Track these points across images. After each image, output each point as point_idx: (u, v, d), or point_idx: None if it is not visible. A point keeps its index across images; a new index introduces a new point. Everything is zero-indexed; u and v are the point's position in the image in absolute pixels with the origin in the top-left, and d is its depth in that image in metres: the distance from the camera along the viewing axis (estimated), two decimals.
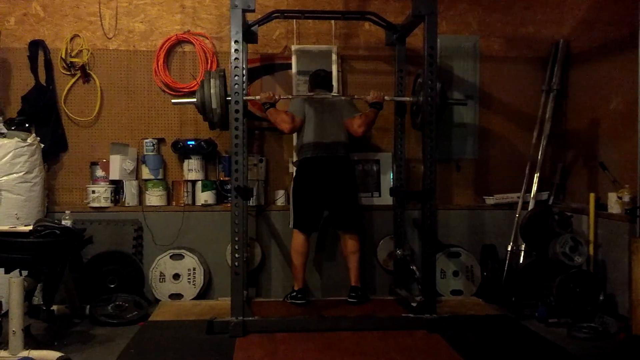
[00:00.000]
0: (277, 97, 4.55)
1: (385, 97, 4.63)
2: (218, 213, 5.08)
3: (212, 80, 4.27)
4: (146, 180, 5.13)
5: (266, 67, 5.29)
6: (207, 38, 5.21)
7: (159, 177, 5.13)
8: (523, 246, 4.98)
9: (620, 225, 4.45)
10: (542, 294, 4.57)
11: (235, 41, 4.10)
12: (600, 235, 4.69)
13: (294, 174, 4.87)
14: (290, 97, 4.84)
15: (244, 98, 4.20)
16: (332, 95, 4.86)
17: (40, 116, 4.99)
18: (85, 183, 5.11)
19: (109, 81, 5.16)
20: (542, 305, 4.48)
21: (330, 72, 5.08)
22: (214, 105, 4.25)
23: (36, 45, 5.04)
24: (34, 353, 3.45)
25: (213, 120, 4.36)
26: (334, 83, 5.13)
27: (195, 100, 4.35)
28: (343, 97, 4.88)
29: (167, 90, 5.18)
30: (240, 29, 4.11)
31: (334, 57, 5.21)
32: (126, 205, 5.09)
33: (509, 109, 5.49)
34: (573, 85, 5.37)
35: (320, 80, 4.88)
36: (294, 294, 4.74)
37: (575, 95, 5.33)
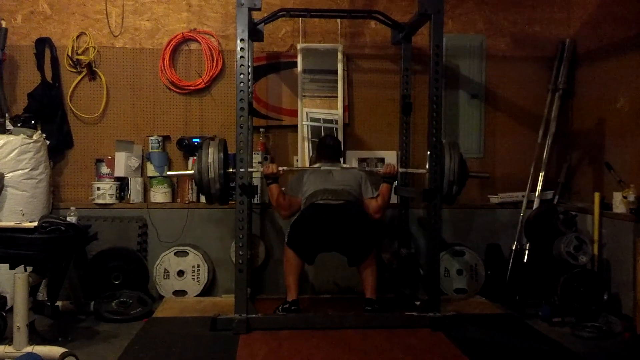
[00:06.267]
0: (280, 171, 4.33)
1: (400, 170, 4.54)
2: (222, 210, 5.06)
3: (210, 153, 4.13)
4: (151, 177, 5.15)
5: (272, 65, 5.29)
6: (213, 36, 5.22)
7: (164, 174, 5.13)
8: (527, 245, 4.97)
9: (625, 224, 4.43)
10: (546, 293, 4.56)
11: (241, 39, 4.10)
12: (604, 235, 4.68)
13: (291, 222, 4.50)
14: (294, 168, 4.81)
15: (249, 170, 4.17)
16: (342, 167, 4.64)
17: (46, 113, 4.99)
18: (91, 180, 5.12)
19: (114, 79, 5.18)
20: (546, 304, 4.48)
21: (339, 142, 4.84)
22: (212, 185, 4.12)
23: (43, 43, 5.05)
24: (38, 349, 3.46)
25: (211, 195, 4.19)
26: (339, 82, 5.14)
27: (192, 172, 4.27)
28: (353, 169, 4.73)
29: (172, 88, 5.20)
30: (246, 27, 4.11)
31: (340, 55, 5.20)
32: (131, 202, 5.10)
33: (515, 108, 5.48)
34: (579, 85, 5.35)
35: (328, 151, 4.63)
36: (287, 305, 4.34)
37: (582, 94, 5.32)
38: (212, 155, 4.13)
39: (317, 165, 4.62)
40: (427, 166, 4.29)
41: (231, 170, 4.20)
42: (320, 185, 4.46)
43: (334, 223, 4.32)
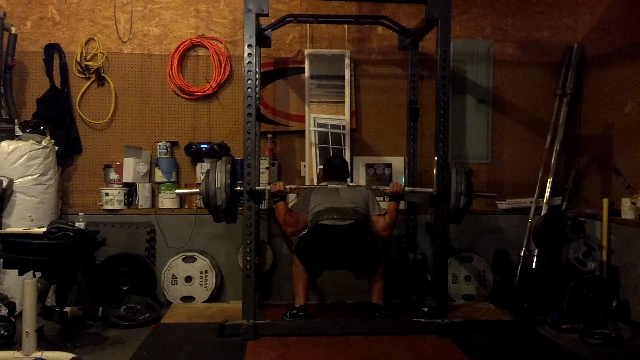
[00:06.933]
0: (287, 190, 4.37)
1: (406, 189, 4.49)
2: None
3: (217, 170, 4.15)
4: (159, 183, 5.16)
5: (279, 71, 5.30)
6: (221, 42, 5.23)
7: (172, 180, 5.15)
8: (536, 251, 4.95)
9: (634, 231, 4.42)
10: (555, 300, 4.54)
11: (249, 45, 4.11)
12: (613, 241, 4.66)
13: (298, 239, 4.48)
14: (301, 187, 4.81)
15: (255, 188, 4.14)
16: (348, 186, 4.62)
17: (55, 119, 5.02)
18: (99, 186, 5.14)
19: (123, 84, 5.20)
20: (554, 310, 4.45)
21: (346, 162, 4.83)
22: (218, 197, 4.11)
23: (51, 49, 5.08)
24: (46, 354, 3.48)
25: (218, 210, 4.19)
26: (346, 88, 5.14)
27: (199, 190, 4.29)
28: (360, 187, 4.70)
29: (180, 94, 5.21)
30: (253, 33, 4.12)
31: (347, 61, 5.20)
32: (139, 207, 5.11)
33: (523, 114, 5.47)
34: (587, 90, 5.34)
35: (335, 171, 4.62)
36: (294, 311, 4.36)
37: (590, 99, 5.31)
38: (219, 173, 4.13)
39: (324, 184, 4.61)
40: (434, 179, 4.26)
41: (239, 188, 4.18)
42: (327, 203, 4.45)
43: (340, 245, 4.30)
